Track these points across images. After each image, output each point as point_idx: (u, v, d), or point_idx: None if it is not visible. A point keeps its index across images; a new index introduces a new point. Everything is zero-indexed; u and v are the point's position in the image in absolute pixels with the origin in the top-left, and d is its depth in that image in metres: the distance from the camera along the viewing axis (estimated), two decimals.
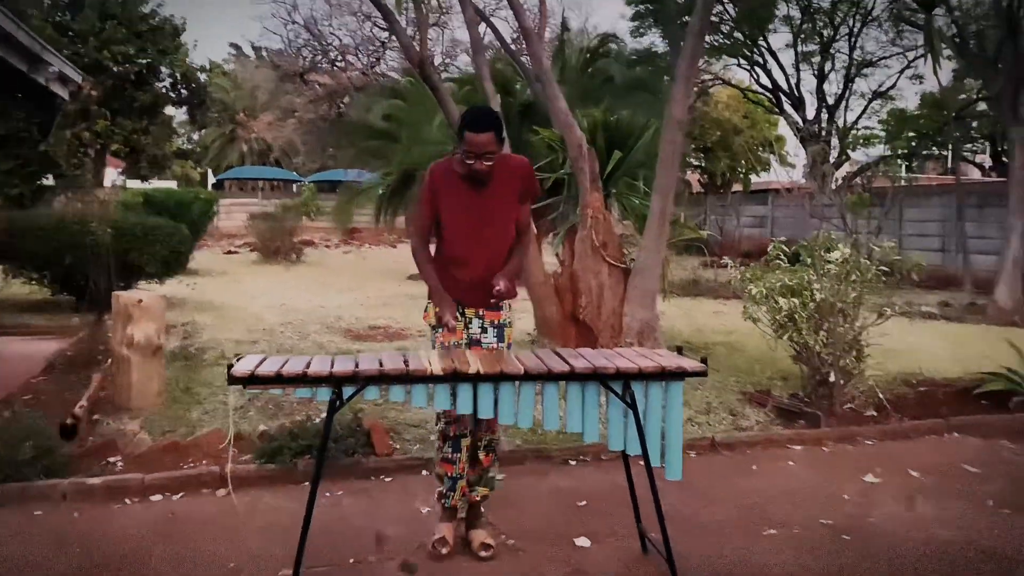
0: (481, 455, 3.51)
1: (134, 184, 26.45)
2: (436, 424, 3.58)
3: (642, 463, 3.14)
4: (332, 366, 2.99)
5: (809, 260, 5.67)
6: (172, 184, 31.99)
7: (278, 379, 2.91)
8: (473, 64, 7.53)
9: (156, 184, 26.77)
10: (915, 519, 3.88)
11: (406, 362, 3.03)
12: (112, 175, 34.45)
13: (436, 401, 3.06)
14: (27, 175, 27.72)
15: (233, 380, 2.90)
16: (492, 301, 3.40)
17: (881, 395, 5.69)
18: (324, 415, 4.81)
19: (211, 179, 37.51)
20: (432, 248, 3.60)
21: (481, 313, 3.46)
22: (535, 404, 3.14)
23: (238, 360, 3.02)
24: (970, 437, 5.25)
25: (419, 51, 6.49)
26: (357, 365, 3.01)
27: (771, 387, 6.10)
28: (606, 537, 3.62)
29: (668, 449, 3.18)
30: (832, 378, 5.50)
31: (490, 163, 3.28)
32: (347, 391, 2.98)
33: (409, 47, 6.86)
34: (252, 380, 2.91)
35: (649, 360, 3.16)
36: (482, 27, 8.17)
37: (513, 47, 10.82)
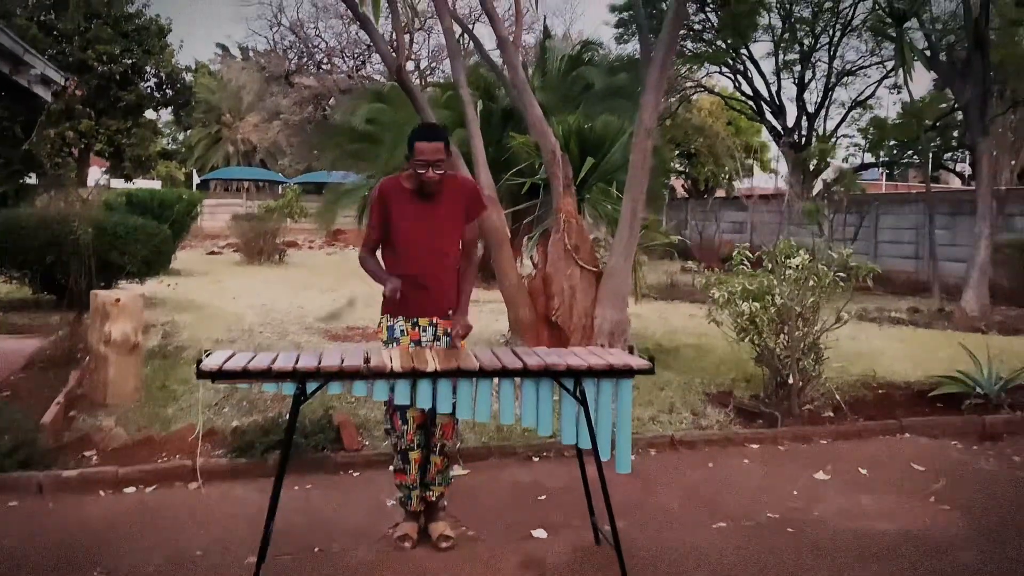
0: (435, 458, 3.66)
1: (118, 184, 26.45)
2: (388, 438, 3.72)
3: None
4: (296, 362, 3.13)
5: (770, 266, 5.85)
6: (156, 184, 31.97)
7: (245, 374, 3.05)
8: (451, 71, 7.68)
9: (140, 184, 26.77)
10: (857, 513, 4.06)
11: (367, 359, 3.18)
12: (96, 175, 34.39)
13: (397, 396, 3.21)
14: (10, 174, 27.60)
15: (202, 374, 3.04)
16: (451, 335, 3.57)
17: (838, 396, 5.87)
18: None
19: (196, 179, 37.47)
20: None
21: (435, 322, 3.62)
22: (492, 400, 3.31)
23: (207, 355, 3.16)
24: (921, 437, 5.44)
25: (396, 57, 6.64)
26: (320, 361, 3.16)
27: (734, 388, 6.28)
28: (562, 529, 3.78)
29: (618, 444, 3.35)
30: (791, 380, 5.69)
31: (440, 172, 3.45)
32: (311, 386, 3.12)
33: (386, 54, 7.01)
34: (220, 375, 3.05)
35: (599, 358, 3.32)
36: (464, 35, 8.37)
37: (493, 55, 11.00)
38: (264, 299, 11.58)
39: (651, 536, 3.73)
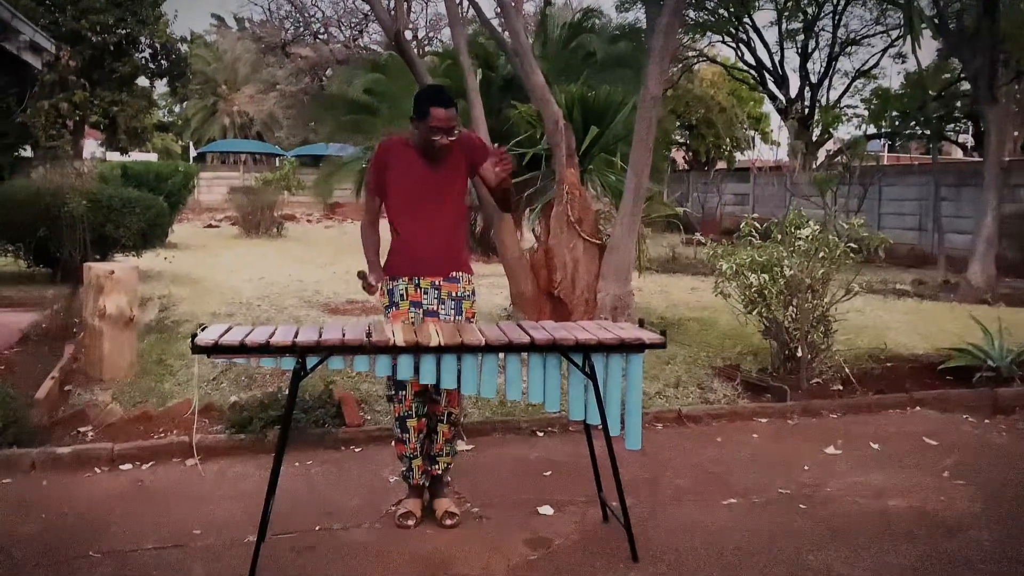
0: (443, 427, 3.56)
1: (114, 157, 26.18)
2: (390, 406, 3.62)
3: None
4: (296, 336, 3.02)
5: (779, 237, 5.73)
6: (152, 157, 31.66)
7: (242, 348, 2.94)
8: (452, 38, 7.51)
9: (136, 157, 26.50)
10: (869, 488, 3.97)
11: (369, 333, 3.07)
12: (92, 147, 34.06)
13: (400, 371, 3.10)
14: (4, 147, 27.32)
15: (197, 349, 2.93)
16: (497, 169, 3.38)
17: (848, 370, 5.77)
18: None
19: (192, 152, 37.16)
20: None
21: (437, 283, 3.49)
22: (498, 375, 3.21)
23: (203, 330, 3.04)
24: (932, 411, 5.35)
25: (394, 23, 6.46)
26: (320, 335, 3.05)
27: (741, 362, 6.18)
28: (568, 505, 3.69)
29: (628, 420, 3.25)
30: (800, 353, 5.59)
31: (454, 138, 3.32)
32: (311, 361, 3.01)
33: (384, 19, 6.82)
34: (216, 349, 2.94)
35: (609, 332, 3.21)
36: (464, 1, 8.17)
37: (495, 21, 10.79)
38: (262, 272, 11.45)
39: (660, 513, 3.64)
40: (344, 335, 3.05)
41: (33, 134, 25.46)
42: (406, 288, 3.50)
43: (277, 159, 35.62)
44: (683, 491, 3.92)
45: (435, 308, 3.49)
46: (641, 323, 3.45)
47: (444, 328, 3.19)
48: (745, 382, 5.66)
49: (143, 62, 26.51)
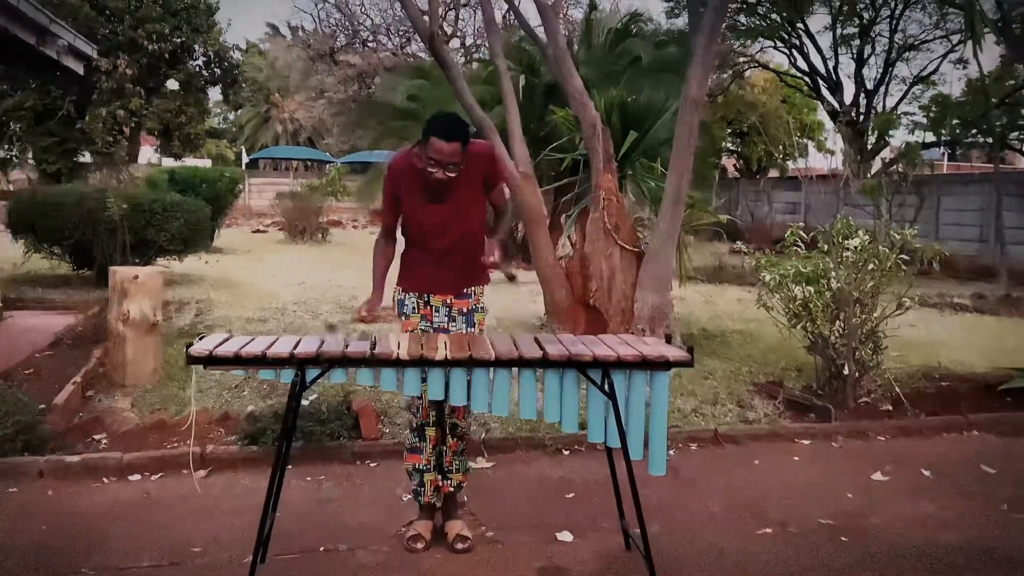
0: (449, 440, 3.37)
1: (168, 162, 26.72)
2: (408, 413, 3.46)
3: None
4: (295, 347, 2.86)
5: (826, 247, 5.42)
6: (206, 163, 32.22)
7: (237, 360, 2.78)
8: (487, 40, 7.35)
9: (190, 162, 26.98)
10: (920, 520, 3.66)
11: (372, 345, 2.89)
12: (148, 153, 34.84)
13: (406, 386, 2.92)
14: (64, 152, 28.03)
15: (191, 360, 2.79)
16: (486, 262, 3.25)
17: (898, 389, 5.43)
18: (318, 395, 4.75)
19: (245, 159, 37.73)
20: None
21: (449, 301, 3.34)
22: (511, 391, 3.01)
23: (200, 340, 2.90)
24: (991, 436, 4.99)
25: (428, 26, 6.32)
26: (321, 346, 2.88)
27: (784, 378, 5.88)
28: (589, 532, 3.47)
29: (652, 443, 3.01)
30: (847, 371, 5.27)
31: (453, 175, 3.12)
32: (311, 374, 2.85)
33: (418, 20, 6.68)
34: (211, 360, 2.79)
35: (631, 348, 2.98)
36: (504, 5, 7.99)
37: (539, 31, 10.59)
38: (302, 277, 11.43)
39: (687, 542, 3.39)
40: (347, 347, 2.87)
41: (92, 140, 26.07)
42: (416, 302, 3.34)
43: (327, 166, 35.98)
44: (714, 518, 3.66)
45: (445, 326, 3.33)
46: (668, 338, 3.21)
47: (453, 341, 3.00)
48: (788, 400, 5.35)
49: (197, 70, 27.03)
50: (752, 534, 3.50)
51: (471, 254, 3.30)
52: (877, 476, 4.23)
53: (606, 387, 2.91)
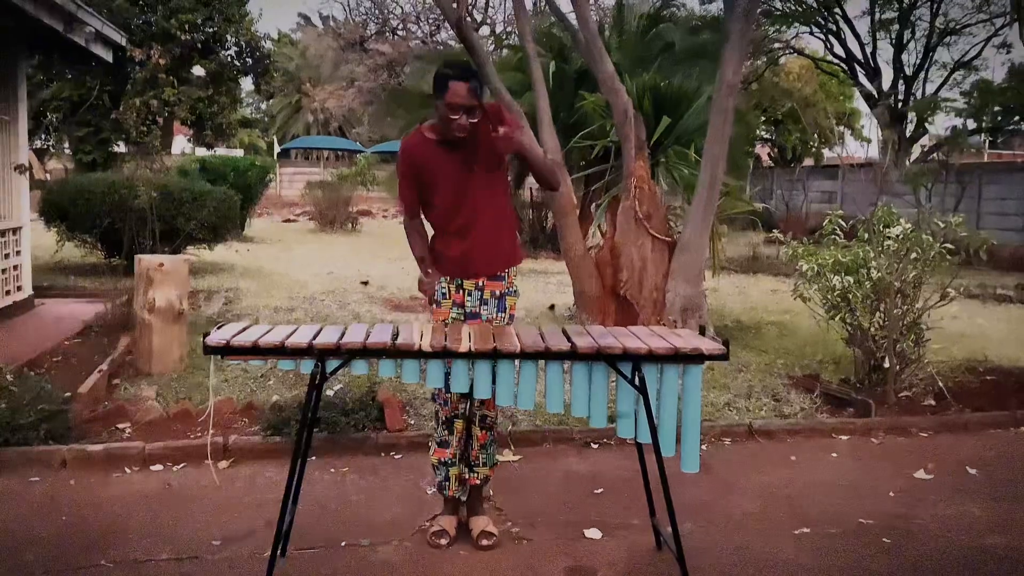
0: (476, 431, 3.26)
1: (201, 152, 26.90)
2: (434, 404, 3.36)
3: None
4: (315, 337, 2.77)
5: (866, 236, 5.23)
6: (239, 152, 32.40)
7: (255, 350, 2.70)
8: (516, 25, 7.22)
9: (222, 152, 27.16)
10: (967, 522, 3.49)
11: (394, 336, 2.80)
12: (181, 142, 35.15)
13: (429, 378, 2.83)
14: (99, 141, 28.25)
15: (208, 350, 2.71)
16: (493, 133, 2.95)
17: (941, 383, 5.23)
18: (343, 385, 4.68)
19: (276, 148, 37.93)
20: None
21: (481, 284, 3.22)
22: (538, 384, 2.90)
23: (218, 328, 2.82)
24: None
25: (456, 9, 6.20)
26: (342, 337, 2.79)
27: (821, 371, 5.70)
28: (619, 529, 3.35)
29: (684, 439, 2.88)
30: (887, 364, 5.09)
31: (474, 120, 2.99)
32: (331, 364, 2.76)
33: (446, 5, 6.57)
34: (228, 350, 2.71)
35: (663, 340, 2.85)
36: None
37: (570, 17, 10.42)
38: (332, 267, 11.42)
39: (720, 541, 3.26)
40: (368, 337, 2.78)
41: (125, 130, 26.30)
42: (448, 288, 3.24)
43: (358, 155, 36.02)
44: (748, 517, 3.52)
45: (477, 310, 3.21)
46: (702, 330, 3.07)
47: (477, 332, 2.89)
48: (825, 394, 5.18)
49: (229, 59, 27.13)
50: (788, 533, 3.36)
51: (499, 232, 3.20)
52: (920, 474, 4.06)
53: (636, 381, 2.78)
